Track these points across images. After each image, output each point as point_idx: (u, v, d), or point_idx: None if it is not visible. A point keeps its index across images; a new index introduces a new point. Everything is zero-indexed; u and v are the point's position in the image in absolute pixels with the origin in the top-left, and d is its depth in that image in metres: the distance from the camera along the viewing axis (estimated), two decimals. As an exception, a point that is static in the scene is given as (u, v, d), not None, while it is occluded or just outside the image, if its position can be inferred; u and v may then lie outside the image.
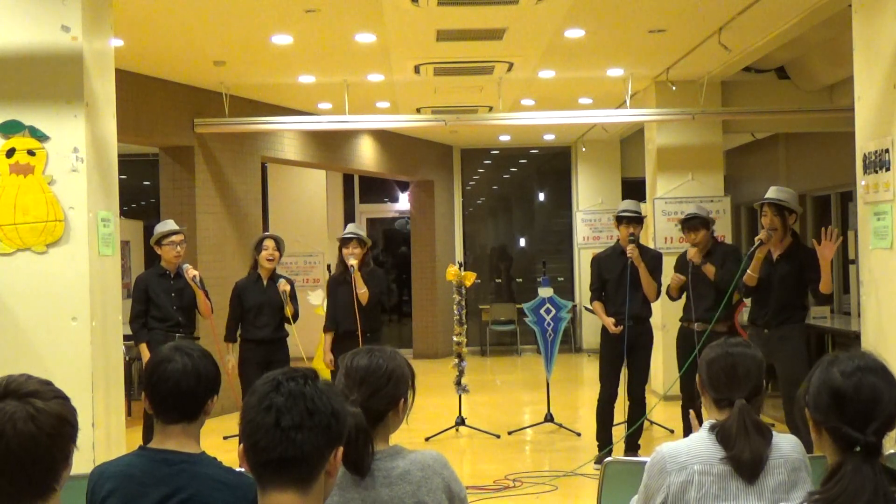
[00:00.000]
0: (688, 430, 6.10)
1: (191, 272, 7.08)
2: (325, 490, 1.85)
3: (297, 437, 1.76)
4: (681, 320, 7.35)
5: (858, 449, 1.98)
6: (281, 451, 1.76)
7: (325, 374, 8.01)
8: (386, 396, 2.45)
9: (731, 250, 7.47)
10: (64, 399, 1.94)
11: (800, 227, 12.83)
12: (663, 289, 7.44)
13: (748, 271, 6.30)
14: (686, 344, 7.01)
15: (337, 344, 7.51)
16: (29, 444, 1.84)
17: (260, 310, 7.35)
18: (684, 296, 7.29)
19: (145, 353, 6.80)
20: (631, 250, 7.10)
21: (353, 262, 7.35)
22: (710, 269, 6.95)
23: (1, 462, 1.83)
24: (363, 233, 7.63)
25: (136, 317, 7.03)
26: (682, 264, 7.26)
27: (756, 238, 6.27)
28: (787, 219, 6.20)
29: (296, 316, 7.43)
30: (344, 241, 7.48)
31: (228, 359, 7.26)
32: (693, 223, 7.05)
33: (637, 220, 7.24)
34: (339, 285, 7.56)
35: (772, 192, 6.28)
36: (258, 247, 7.43)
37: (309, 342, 10.21)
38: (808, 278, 6.14)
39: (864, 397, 2.01)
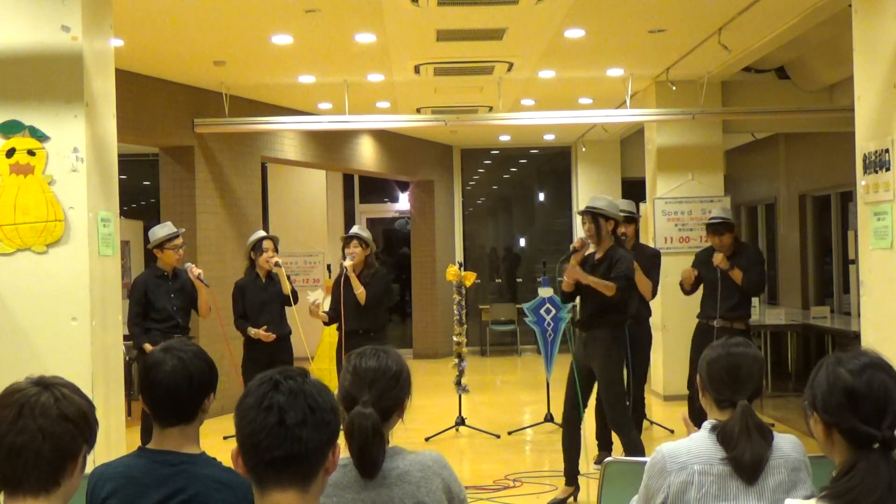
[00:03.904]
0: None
1: (195, 271, 7.11)
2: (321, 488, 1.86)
3: (302, 434, 1.77)
4: (699, 317, 7.39)
5: (877, 445, 1.97)
6: (286, 449, 1.76)
7: (322, 374, 8.05)
8: (394, 397, 2.46)
9: (755, 253, 7.59)
10: (90, 403, 2.01)
11: (800, 228, 12.86)
12: (659, 287, 7.46)
13: (564, 278, 6.27)
14: (704, 340, 7.05)
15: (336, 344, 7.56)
16: (46, 424, 1.89)
17: (261, 308, 7.44)
18: (700, 292, 7.35)
19: (148, 347, 6.83)
20: None
21: (348, 262, 7.36)
22: (737, 275, 7.11)
23: (15, 436, 1.86)
24: (366, 234, 7.58)
25: (134, 318, 7.02)
26: (702, 264, 7.30)
27: (571, 246, 6.32)
28: (603, 225, 6.24)
29: (295, 296, 7.55)
30: (345, 241, 7.49)
31: (257, 332, 7.37)
32: (719, 228, 7.18)
33: (628, 219, 7.26)
34: (339, 285, 7.56)
35: (590, 201, 6.33)
36: (257, 248, 7.49)
37: (309, 342, 10.21)
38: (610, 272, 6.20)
39: (877, 394, 2.01)
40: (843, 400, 2.02)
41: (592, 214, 6.20)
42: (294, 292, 7.57)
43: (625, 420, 6.24)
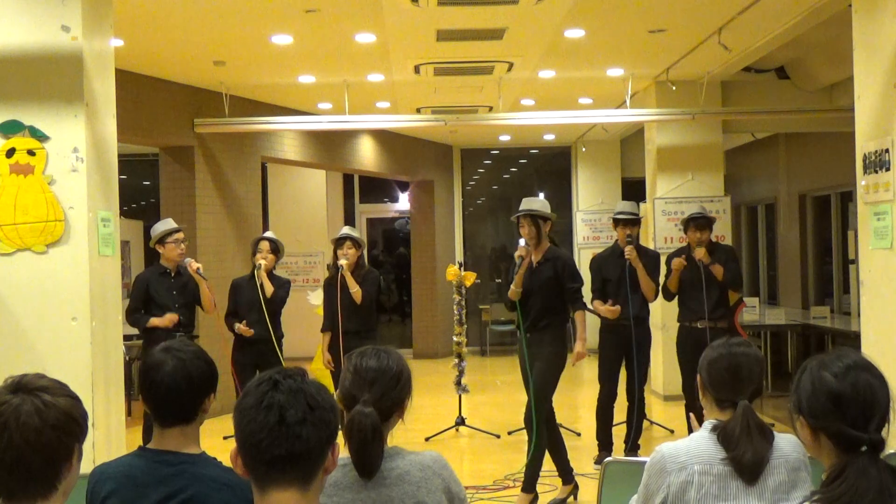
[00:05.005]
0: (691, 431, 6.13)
1: (193, 265, 7.10)
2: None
3: (303, 432, 1.77)
4: (680, 320, 7.41)
5: (864, 448, 1.95)
6: (287, 448, 1.76)
7: (323, 375, 8.04)
8: (394, 398, 2.45)
9: (730, 250, 7.66)
10: (75, 399, 1.95)
11: (800, 228, 12.87)
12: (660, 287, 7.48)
13: (512, 287, 6.21)
14: (691, 342, 7.08)
15: (331, 343, 7.55)
16: (32, 436, 1.84)
17: (250, 308, 7.45)
18: (679, 296, 7.38)
19: (156, 321, 6.91)
20: (629, 252, 7.16)
21: (343, 262, 7.35)
22: (718, 270, 7.15)
23: (3, 453, 1.84)
24: (357, 234, 7.63)
25: (132, 311, 7.03)
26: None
27: (516, 255, 6.24)
28: (542, 227, 6.24)
29: (280, 300, 7.53)
30: (338, 242, 7.48)
31: (239, 327, 7.47)
32: (701, 222, 7.21)
33: (633, 221, 7.32)
34: (331, 286, 7.55)
35: (525, 204, 6.32)
36: (255, 247, 7.56)
37: (309, 343, 10.22)
38: (565, 283, 6.18)
39: (862, 395, 1.99)
40: (829, 404, 2.00)
41: (532, 217, 6.20)
42: (280, 298, 7.53)
43: (541, 421, 6.20)
